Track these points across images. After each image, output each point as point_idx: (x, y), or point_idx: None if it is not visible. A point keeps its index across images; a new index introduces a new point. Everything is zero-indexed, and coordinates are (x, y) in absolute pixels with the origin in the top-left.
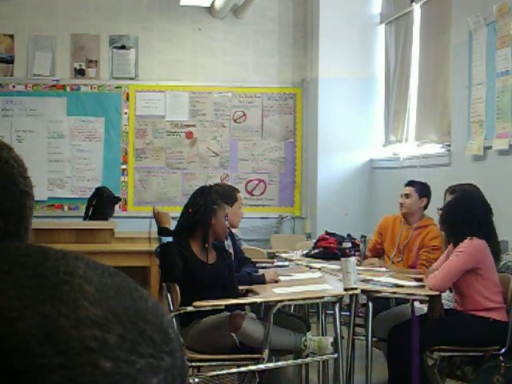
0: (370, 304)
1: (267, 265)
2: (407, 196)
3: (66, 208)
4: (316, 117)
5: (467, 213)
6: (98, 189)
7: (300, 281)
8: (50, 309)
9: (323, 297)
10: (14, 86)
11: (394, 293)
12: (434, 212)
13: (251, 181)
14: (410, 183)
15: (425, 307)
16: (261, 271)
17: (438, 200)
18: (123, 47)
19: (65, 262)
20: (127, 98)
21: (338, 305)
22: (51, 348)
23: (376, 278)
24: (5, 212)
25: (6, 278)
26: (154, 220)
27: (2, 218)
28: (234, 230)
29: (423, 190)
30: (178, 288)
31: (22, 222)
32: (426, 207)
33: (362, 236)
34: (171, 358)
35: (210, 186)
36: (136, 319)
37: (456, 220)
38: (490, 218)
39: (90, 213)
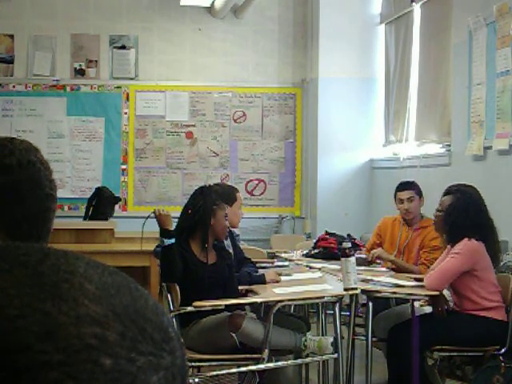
0: (370, 304)
1: (267, 265)
2: (411, 200)
3: (66, 208)
4: (316, 117)
5: (466, 219)
6: (98, 189)
7: (300, 281)
8: (50, 306)
9: (323, 297)
10: (14, 86)
11: (394, 293)
12: (432, 212)
13: (251, 181)
14: (409, 186)
15: (425, 308)
16: (261, 271)
17: (437, 200)
18: (123, 47)
19: (65, 261)
20: (127, 98)
21: (337, 305)
22: (51, 345)
23: (376, 278)
24: (30, 215)
25: (7, 277)
26: (147, 220)
27: (26, 221)
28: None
29: (420, 189)
30: (178, 288)
31: (46, 224)
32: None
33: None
34: (171, 356)
35: (210, 186)
36: (136, 317)
37: (455, 224)
38: (486, 219)
39: (90, 213)
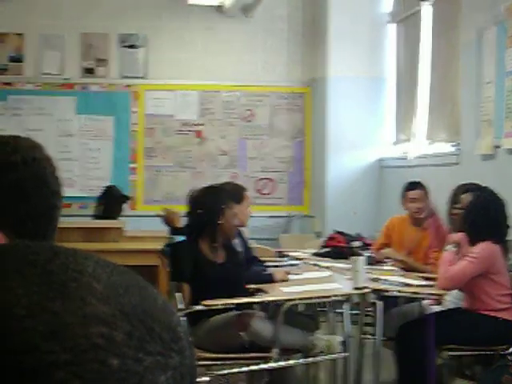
0: (380, 303)
1: (276, 264)
2: (422, 199)
3: (74, 207)
4: (325, 116)
5: (485, 218)
6: (107, 187)
7: (309, 280)
8: (58, 306)
9: (331, 296)
10: (23, 85)
11: (403, 292)
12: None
13: (260, 179)
14: (419, 186)
15: (434, 307)
16: (270, 270)
17: (446, 200)
18: (132, 46)
19: (74, 260)
20: (136, 97)
21: (346, 304)
22: (58, 345)
23: (385, 277)
24: (35, 214)
25: (15, 276)
26: (156, 218)
27: (31, 219)
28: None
29: (427, 189)
30: (187, 287)
31: (51, 222)
32: None
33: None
34: (180, 356)
35: (218, 185)
36: (144, 317)
37: (474, 222)
38: (505, 218)
39: (99, 211)
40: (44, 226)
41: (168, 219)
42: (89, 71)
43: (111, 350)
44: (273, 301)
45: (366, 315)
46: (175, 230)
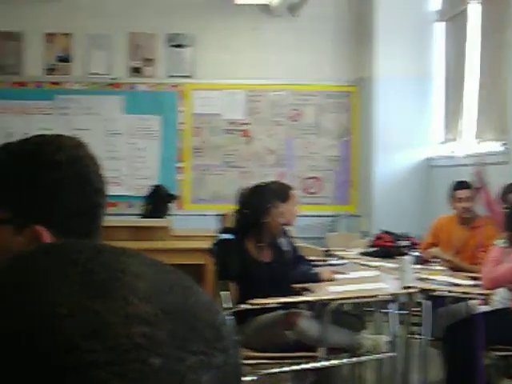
0: (427, 303)
1: (321, 263)
2: (470, 199)
3: (122, 206)
4: (372, 115)
5: None
6: (154, 187)
7: (355, 279)
8: (99, 305)
9: (377, 295)
10: (71, 85)
11: (453, 292)
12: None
13: (307, 178)
14: (468, 185)
15: (482, 307)
16: (316, 269)
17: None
18: (179, 46)
19: (116, 259)
20: (183, 97)
21: (393, 303)
22: (99, 344)
23: (434, 277)
24: (79, 212)
25: (58, 275)
26: (204, 217)
27: (75, 217)
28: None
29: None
30: (234, 286)
31: (95, 221)
32: None
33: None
34: (224, 355)
35: (265, 184)
36: (187, 316)
37: None
38: None
39: (147, 211)
40: (87, 225)
41: (223, 219)
42: (136, 71)
43: (153, 350)
44: (319, 300)
45: (414, 315)
46: (226, 230)
